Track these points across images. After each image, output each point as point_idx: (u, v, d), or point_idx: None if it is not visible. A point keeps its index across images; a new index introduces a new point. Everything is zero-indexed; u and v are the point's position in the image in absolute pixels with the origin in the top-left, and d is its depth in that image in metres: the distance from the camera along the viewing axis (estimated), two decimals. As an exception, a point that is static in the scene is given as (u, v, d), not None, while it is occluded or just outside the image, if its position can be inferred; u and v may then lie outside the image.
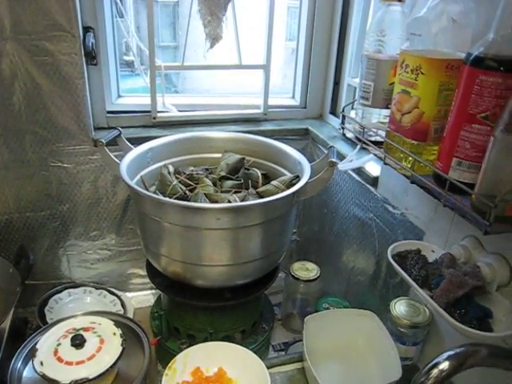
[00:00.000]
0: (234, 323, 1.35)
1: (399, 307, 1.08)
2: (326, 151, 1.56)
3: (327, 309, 1.43)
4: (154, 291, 1.79)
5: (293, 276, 1.55)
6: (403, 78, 0.97)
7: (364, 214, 1.39)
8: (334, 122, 1.74)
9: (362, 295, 1.45)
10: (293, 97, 1.88)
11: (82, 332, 1.02)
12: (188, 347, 1.12)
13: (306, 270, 1.57)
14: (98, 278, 1.74)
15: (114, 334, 1.04)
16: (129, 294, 1.75)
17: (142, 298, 1.79)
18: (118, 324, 1.07)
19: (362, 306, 1.33)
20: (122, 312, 1.57)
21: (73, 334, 1.01)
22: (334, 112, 1.78)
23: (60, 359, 0.96)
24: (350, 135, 1.50)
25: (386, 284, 1.30)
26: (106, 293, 1.66)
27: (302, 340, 1.11)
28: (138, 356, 1.07)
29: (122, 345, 1.01)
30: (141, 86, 1.76)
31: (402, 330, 1.06)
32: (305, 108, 1.84)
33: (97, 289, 1.67)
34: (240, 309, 1.34)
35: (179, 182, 1.34)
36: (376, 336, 1.11)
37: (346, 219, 1.51)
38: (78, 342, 0.99)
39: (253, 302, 1.38)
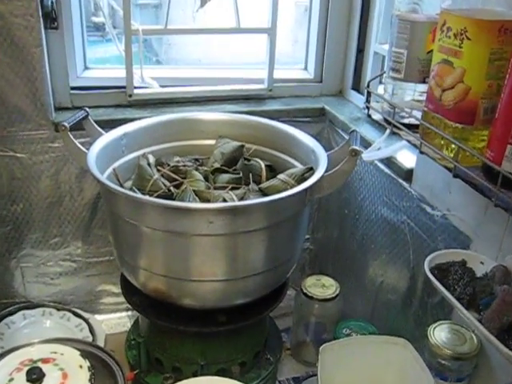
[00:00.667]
0: (231, 353, 1.36)
1: (439, 334, 1.09)
2: (346, 137, 1.56)
3: (348, 335, 1.43)
4: (130, 313, 1.79)
5: (305, 294, 1.55)
6: (444, 45, 0.97)
7: (395, 217, 1.39)
8: (358, 99, 1.74)
9: (392, 318, 1.45)
10: (305, 68, 1.87)
11: (40, 364, 1.02)
12: (173, 383, 1.12)
13: (321, 286, 1.57)
14: (61, 296, 1.75)
15: (81, 366, 1.04)
16: (99, 317, 1.76)
17: (115, 321, 1.79)
18: (85, 354, 1.07)
19: (392, 331, 1.33)
20: (90, 339, 1.57)
21: (29, 367, 1.01)
22: (357, 87, 1.78)
23: (13, 398, 0.97)
24: (376, 116, 1.49)
25: (422, 304, 1.30)
26: (70, 315, 1.66)
27: (316, 374, 1.11)
28: (110, 394, 1.07)
29: (90, 380, 1.01)
30: (113, 55, 1.76)
31: (442, 362, 1.06)
32: (320, 82, 1.84)
33: (58, 310, 1.67)
34: (238, 335, 1.35)
35: (162, 175, 1.34)
36: (410, 369, 1.11)
37: (373, 222, 1.51)
38: (35, 376, 0.99)
39: (255, 327, 1.39)
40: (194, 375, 1.29)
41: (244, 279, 1.22)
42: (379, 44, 1.63)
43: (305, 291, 1.55)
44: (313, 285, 1.58)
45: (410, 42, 1.15)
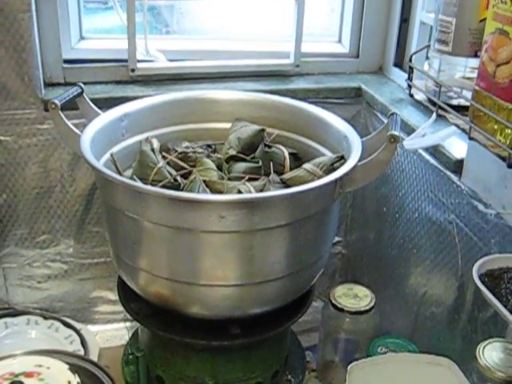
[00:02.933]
0: (245, 372, 1.36)
1: (490, 353, 1.08)
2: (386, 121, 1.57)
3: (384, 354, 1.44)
4: (128, 324, 1.81)
5: (334, 305, 1.55)
6: (499, 12, 0.97)
7: (441, 216, 1.40)
8: (401, 78, 1.75)
9: (436, 336, 1.45)
10: (339, 41, 1.88)
11: (22, 378, 1.03)
12: (176, 405, 1.13)
13: (354, 296, 1.57)
14: (48, 303, 1.77)
15: (69, 382, 1.05)
16: (92, 328, 1.78)
17: (111, 333, 1.82)
18: (74, 369, 1.08)
19: (435, 350, 1.32)
20: (81, 352, 1.59)
21: (9, 382, 1.02)
22: (400, 64, 1.79)
23: (-9, 417, 0.98)
24: (420, 96, 1.49)
25: (472, 319, 1.30)
26: (59, 325, 1.68)
27: (344, 399, 1.12)
28: (102, 415, 1.08)
29: (79, 399, 1.02)
30: (115, 26, 1.77)
31: (493, 386, 1.07)
32: (357, 57, 1.85)
33: (46, 319, 1.69)
34: (254, 351, 1.35)
35: (167, 163, 1.36)
36: (455, 394, 1.11)
37: (415, 223, 1.51)
38: None
39: (273, 342, 1.39)
40: (202, 397, 1.30)
41: (261, 285, 1.22)
42: (427, 12, 1.63)
43: (334, 302, 1.55)
44: (343, 295, 1.57)
45: (460, 8, 1.15)
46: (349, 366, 1.14)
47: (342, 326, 1.57)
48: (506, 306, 0.96)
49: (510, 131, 0.96)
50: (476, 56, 1.14)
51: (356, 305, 1.55)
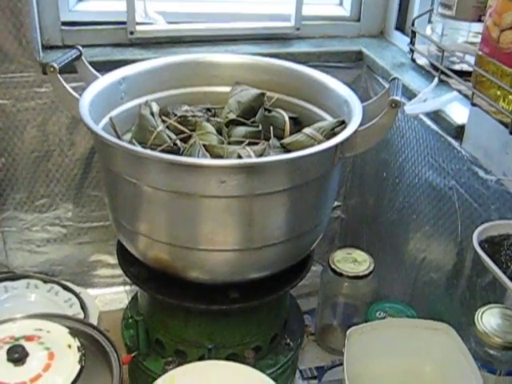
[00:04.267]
0: (244, 336, 1.37)
1: (488, 319, 1.09)
2: (387, 86, 1.56)
3: (383, 319, 1.44)
4: (128, 288, 1.82)
5: (333, 270, 1.56)
6: (505, -25, 0.96)
7: (442, 181, 1.39)
8: (402, 42, 1.73)
9: (434, 301, 1.46)
10: (340, 4, 1.86)
11: (23, 342, 1.04)
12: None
13: (353, 261, 1.58)
14: (48, 266, 1.78)
15: (69, 346, 1.06)
16: (92, 292, 1.79)
17: (110, 297, 1.83)
18: (74, 332, 1.09)
19: (433, 315, 1.34)
20: (81, 316, 1.60)
21: (10, 345, 1.02)
22: (402, 27, 1.77)
23: (-9, 379, 0.99)
24: (422, 61, 1.48)
25: (471, 285, 1.31)
26: (59, 288, 1.69)
27: (343, 363, 1.12)
28: (103, 378, 1.09)
29: (79, 362, 1.03)
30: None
31: (491, 351, 1.07)
32: (358, 21, 1.83)
33: (45, 282, 1.70)
34: (253, 315, 1.36)
35: (167, 127, 1.35)
36: (452, 359, 1.12)
37: (415, 188, 1.51)
38: (17, 355, 1.01)
39: (272, 307, 1.40)
40: (201, 360, 1.31)
41: (261, 249, 1.22)
42: (430, -25, 1.62)
43: (333, 267, 1.56)
44: (342, 259, 1.58)
45: (464, -30, 1.14)
46: (348, 331, 1.15)
47: (341, 290, 1.58)
48: (505, 273, 0.96)
49: (512, 97, 0.96)
50: (480, 20, 1.13)
51: (355, 269, 1.56)
